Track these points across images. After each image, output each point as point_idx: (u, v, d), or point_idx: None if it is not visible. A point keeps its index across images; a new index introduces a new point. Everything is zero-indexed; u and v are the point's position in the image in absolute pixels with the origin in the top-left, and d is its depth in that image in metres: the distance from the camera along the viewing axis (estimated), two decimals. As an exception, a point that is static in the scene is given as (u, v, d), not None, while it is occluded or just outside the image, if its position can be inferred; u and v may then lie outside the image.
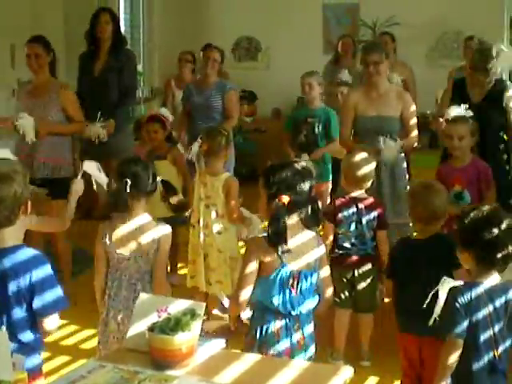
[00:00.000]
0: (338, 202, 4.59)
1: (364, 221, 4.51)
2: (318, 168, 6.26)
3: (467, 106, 4.87)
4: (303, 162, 3.33)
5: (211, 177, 4.98)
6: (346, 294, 4.59)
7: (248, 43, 11.27)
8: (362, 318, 4.68)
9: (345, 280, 4.57)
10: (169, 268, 6.12)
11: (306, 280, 3.20)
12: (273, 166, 3.26)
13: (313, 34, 10.68)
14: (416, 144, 5.65)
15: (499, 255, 2.98)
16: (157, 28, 10.36)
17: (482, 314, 3.00)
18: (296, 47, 10.50)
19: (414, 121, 5.53)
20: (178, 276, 6.10)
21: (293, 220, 3.17)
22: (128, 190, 3.56)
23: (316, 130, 6.36)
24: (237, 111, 6.92)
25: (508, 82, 5.38)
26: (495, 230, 2.97)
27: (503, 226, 2.99)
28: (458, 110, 4.88)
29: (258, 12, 10.81)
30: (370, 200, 4.56)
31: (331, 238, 4.54)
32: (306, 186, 3.17)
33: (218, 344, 2.90)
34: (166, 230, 3.66)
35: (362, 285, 4.57)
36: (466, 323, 2.97)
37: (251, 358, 2.85)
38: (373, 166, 4.58)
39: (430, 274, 3.37)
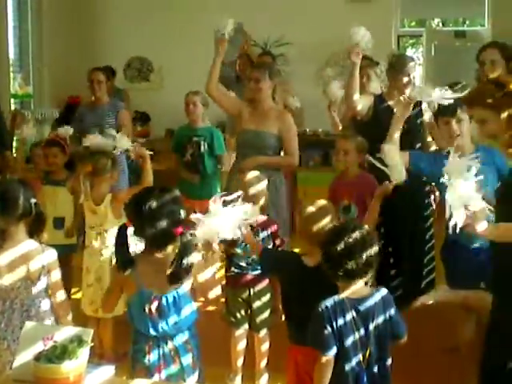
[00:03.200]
0: None
1: (258, 239, 4.51)
2: (204, 184, 6.30)
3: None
4: None
5: (97, 205, 4.92)
6: (242, 313, 4.58)
7: (140, 63, 11.20)
8: (259, 337, 4.67)
9: (240, 300, 4.56)
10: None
11: (168, 301, 3.19)
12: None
13: (205, 54, 10.66)
14: (294, 163, 5.72)
15: (345, 267, 3.05)
16: (46, 49, 10.16)
17: (344, 321, 3.08)
18: (189, 67, 10.47)
19: (292, 141, 5.61)
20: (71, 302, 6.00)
21: None
22: None
23: (202, 148, 6.36)
24: (130, 131, 6.88)
25: (424, 105, 5.47)
26: (338, 244, 3.05)
27: (348, 238, 3.07)
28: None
29: (149, 32, 10.76)
30: (264, 218, 4.56)
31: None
32: None
33: (107, 371, 2.84)
34: (52, 254, 3.56)
35: (258, 303, 4.56)
36: (329, 335, 3.05)
37: (139, 385, 2.80)
38: (264, 184, 4.59)
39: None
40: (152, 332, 3.18)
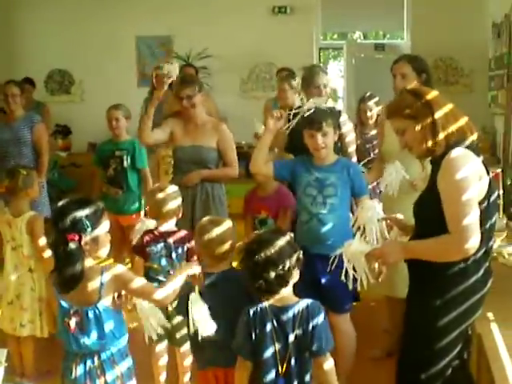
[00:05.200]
0: (146, 237, 4.49)
1: (174, 255, 4.46)
2: (127, 199, 6.23)
3: None
4: None
5: (14, 218, 4.81)
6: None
7: (61, 76, 11.06)
8: (181, 352, 4.63)
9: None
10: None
11: (88, 316, 3.13)
12: None
13: (127, 67, 10.65)
14: (235, 173, 5.65)
15: (261, 281, 3.03)
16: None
17: (264, 331, 3.06)
18: (110, 80, 10.42)
19: (231, 151, 5.57)
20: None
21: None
22: None
23: (125, 163, 6.28)
24: (46, 145, 6.78)
25: (344, 116, 5.51)
26: (254, 258, 3.03)
27: (266, 250, 3.03)
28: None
29: (70, 44, 10.66)
30: (182, 233, 4.51)
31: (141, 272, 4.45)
32: None
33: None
34: None
35: (177, 319, 4.50)
36: (248, 342, 3.06)
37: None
38: (179, 201, 4.54)
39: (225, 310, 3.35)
40: (74, 347, 3.12)
